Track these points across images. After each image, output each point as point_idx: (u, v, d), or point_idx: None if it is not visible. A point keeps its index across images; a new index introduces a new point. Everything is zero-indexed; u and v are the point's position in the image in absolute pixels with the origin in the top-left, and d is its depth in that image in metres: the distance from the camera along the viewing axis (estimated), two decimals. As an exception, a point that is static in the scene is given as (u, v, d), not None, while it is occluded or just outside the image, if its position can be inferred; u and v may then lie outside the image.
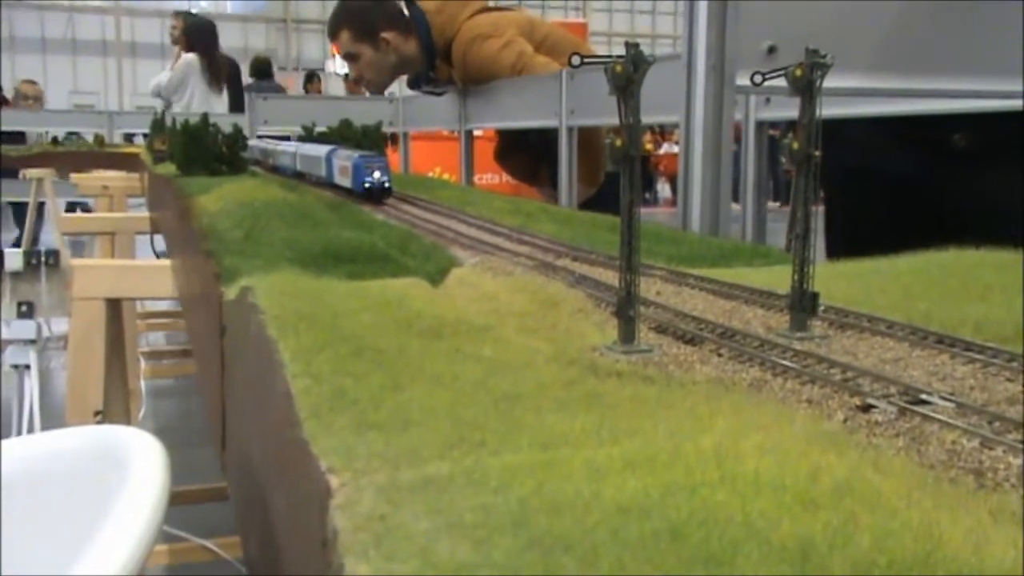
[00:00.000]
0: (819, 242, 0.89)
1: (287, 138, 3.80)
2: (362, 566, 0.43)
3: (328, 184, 2.25)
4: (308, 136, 3.17)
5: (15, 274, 4.83)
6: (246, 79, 10.98)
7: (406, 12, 3.97)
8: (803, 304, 0.86)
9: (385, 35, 3.91)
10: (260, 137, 4.01)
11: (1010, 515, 0.48)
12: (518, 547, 0.43)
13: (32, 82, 9.96)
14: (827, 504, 0.47)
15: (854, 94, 2.16)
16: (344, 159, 2.11)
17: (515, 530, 0.45)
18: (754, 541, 0.43)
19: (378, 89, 4.36)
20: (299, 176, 2.66)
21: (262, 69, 11.62)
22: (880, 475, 0.51)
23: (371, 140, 2.86)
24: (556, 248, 1.34)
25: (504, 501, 0.48)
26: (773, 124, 3.03)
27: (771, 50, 1.83)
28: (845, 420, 0.63)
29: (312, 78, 11.88)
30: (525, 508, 0.47)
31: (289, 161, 2.81)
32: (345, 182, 2.06)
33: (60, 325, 4.97)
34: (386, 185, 1.95)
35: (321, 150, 2.38)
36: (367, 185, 1.94)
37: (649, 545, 0.43)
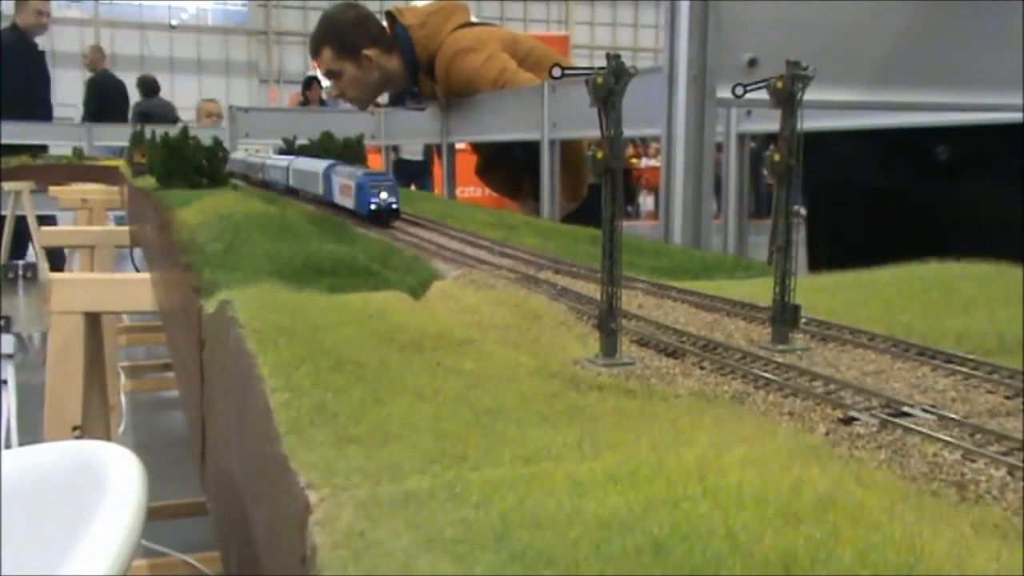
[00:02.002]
0: (801, 254, 0.89)
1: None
2: (341, 583, 0.43)
3: (326, 203, 2.10)
4: (290, 148, 3.14)
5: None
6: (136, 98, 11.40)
7: (387, 29, 3.97)
8: (785, 316, 0.86)
9: (367, 52, 3.91)
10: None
11: (992, 528, 0.48)
12: (500, 562, 0.43)
13: (213, 100, 9.87)
14: (810, 518, 0.47)
15: (835, 107, 2.18)
16: (346, 177, 1.95)
17: (496, 545, 0.44)
18: (737, 555, 0.43)
19: (361, 106, 4.36)
20: (292, 192, 2.50)
21: (150, 88, 12.00)
22: (862, 488, 0.51)
23: (353, 153, 2.85)
24: (538, 261, 1.34)
25: (485, 516, 0.48)
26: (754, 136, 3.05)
27: (752, 63, 1.83)
28: (827, 433, 0.63)
29: (311, 83, 11.91)
30: (507, 523, 0.47)
31: (280, 176, 2.64)
32: (347, 202, 1.91)
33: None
34: (394, 206, 1.80)
35: (318, 165, 2.21)
36: (373, 207, 1.79)
37: (632, 560, 0.43)
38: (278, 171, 2.68)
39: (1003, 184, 2.21)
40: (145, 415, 4.89)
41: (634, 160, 16.71)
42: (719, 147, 2.71)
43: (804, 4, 1.92)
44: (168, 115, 10.95)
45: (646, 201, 18.64)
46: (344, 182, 1.94)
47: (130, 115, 10.63)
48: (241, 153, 3.50)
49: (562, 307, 1.02)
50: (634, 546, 0.44)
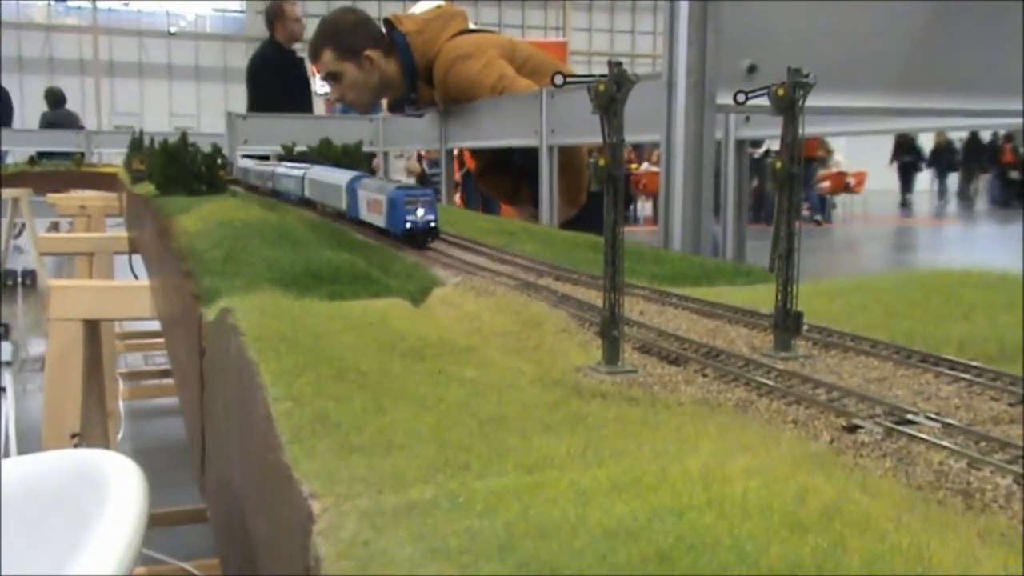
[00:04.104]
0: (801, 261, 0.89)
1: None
2: (346, 594, 0.42)
3: (350, 219, 1.90)
4: (288, 155, 3.12)
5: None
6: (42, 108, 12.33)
7: (385, 36, 3.97)
8: (787, 323, 0.86)
9: (369, 53, 3.90)
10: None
11: (999, 537, 0.47)
12: (504, 572, 0.43)
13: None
14: (816, 527, 0.46)
15: (833, 113, 2.18)
16: (375, 191, 1.73)
17: (501, 555, 0.44)
18: (743, 565, 0.43)
19: (361, 109, 4.34)
20: (307, 204, 2.31)
21: (57, 99, 12.75)
22: (868, 497, 0.51)
23: (352, 159, 2.84)
24: (538, 267, 1.34)
25: (490, 525, 0.47)
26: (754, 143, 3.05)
27: (751, 69, 1.84)
28: (831, 441, 0.63)
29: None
30: (511, 532, 0.46)
31: (294, 186, 2.43)
32: (376, 220, 1.70)
33: (37, 346, 4.93)
34: (432, 225, 1.59)
35: (340, 177, 2.01)
36: (409, 225, 1.58)
37: (637, 570, 0.43)
38: (291, 181, 2.50)
39: None
40: (143, 422, 4.89)
41: (633, 165, 16.74)
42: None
43: (803, 10, 1.92)
44: (73, 125, 11.92)
45: (644, 207, 18.68)
46: (373, 197, 1.74)
47: (38, 124, 11.68)
48: (250, 161, 3.42)
49: (563, 314, 1.02)
50: (639, 556, 0.44)
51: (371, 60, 3.90)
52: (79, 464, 0.98)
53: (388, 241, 1.64)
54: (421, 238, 1.58)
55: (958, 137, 23.24)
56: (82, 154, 7.98)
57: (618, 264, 0.82)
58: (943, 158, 23.87)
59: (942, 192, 24.59)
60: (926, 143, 23.51)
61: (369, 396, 0.70)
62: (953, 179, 24.91)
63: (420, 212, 1.58)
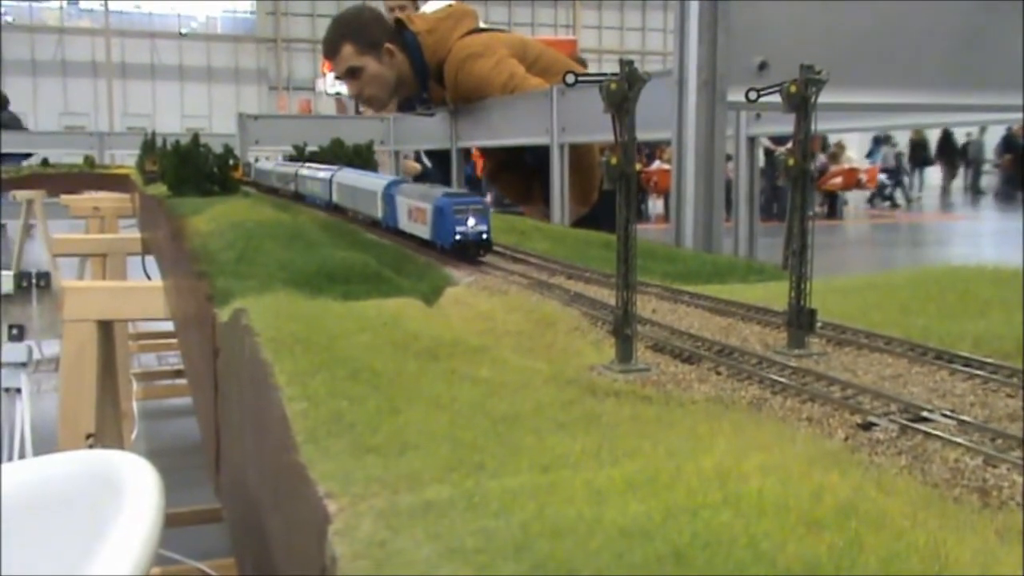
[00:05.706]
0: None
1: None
2: (363, 594, 0.43)
3: (387, 229, 1.73)
4: (300, 155, 3.12)
5: (6, 297, 4.82)
6: None
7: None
8: (801, 321, 0.86)
9: (389, 46, 3.90)
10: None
11: (1017, 534, 0.47)
12: (520, 572, 0.43)
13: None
14: (832, 525, 0.46)
15: (843, 109, 2.17)
16: (418, 198, 1.56)
17: (517, 555, 0.44)
18: (760, 564, 0.42)
19: (379, 105, 4.33)
20: (335, 209, 2.15)
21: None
22: (884, 495, 0.51)
23: (363, 159, 2.85)
24: (550, 266, 1.34)
25: (505, 525, 0.47)
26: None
27: (762, 66, 1.83)
28: (846, 439, 0.63)
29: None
30: (527, 532, 0.46)
31: (321, 190, 2.26)
32: (420, 231, 1.52)
33: (52, 347, 4.95)
34: (484, 236, 1.41)
35: (375, 182, 1.83)
36: (459, 237, 1.39)
37: (653, 569, 0.43)
38: (317, 184, 2.31)
39: None
40: (157, 423, 4.91)
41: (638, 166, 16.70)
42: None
43: (813, 6, 1.92)
44: (15, 127, 12.10)
45: (656, 204, 18.67)
46: (415, 204, 1.56)
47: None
48: (268, 162, 3.38)
49: (576, 312, 1.02)
50: (655, 555, 0.44)
51: (391, 53, 3.90)
52: (95, 465, 0.98)
53: (402, 242, 1.61)
54: (473, 251, 1.41)
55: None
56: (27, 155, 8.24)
57: (631, 262, 0.82)
58: (916, 154, 24.24)
59: (919, 186, 25.13)
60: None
61: (383, 396, 0.70)
62: (935, 174, 25.49)
63: (471, 222, 1.41)
